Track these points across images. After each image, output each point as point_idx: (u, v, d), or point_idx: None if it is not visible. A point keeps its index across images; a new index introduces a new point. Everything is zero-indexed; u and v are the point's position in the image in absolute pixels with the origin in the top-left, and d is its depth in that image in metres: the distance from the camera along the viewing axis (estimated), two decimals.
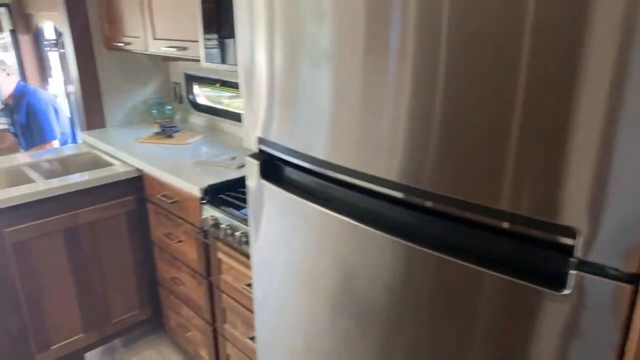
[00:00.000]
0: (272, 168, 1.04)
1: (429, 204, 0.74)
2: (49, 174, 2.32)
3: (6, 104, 3.09)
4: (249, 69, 1.00)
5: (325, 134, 0.86)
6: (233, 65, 1.75)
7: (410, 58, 0.69)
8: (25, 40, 3.56)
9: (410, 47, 0.69)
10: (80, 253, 2.16)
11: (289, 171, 1.01)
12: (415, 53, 0.69)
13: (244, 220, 1.66)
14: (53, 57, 3.65)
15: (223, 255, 1.83)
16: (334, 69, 0.80)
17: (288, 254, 1.03)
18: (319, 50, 0.80)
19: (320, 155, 0.88)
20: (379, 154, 0.76)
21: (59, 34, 3.42)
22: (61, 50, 3.47)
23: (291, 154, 0.95)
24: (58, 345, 2.18)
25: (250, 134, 1.03)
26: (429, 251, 0.75)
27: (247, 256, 1.68)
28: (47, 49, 3.64)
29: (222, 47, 1.83)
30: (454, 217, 0.72)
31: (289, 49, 0.88)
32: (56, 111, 3.09)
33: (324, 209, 0.91)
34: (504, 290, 0.68)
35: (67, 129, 3.23)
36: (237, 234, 1.65)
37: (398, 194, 0.77)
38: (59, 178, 2.11)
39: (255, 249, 1.16)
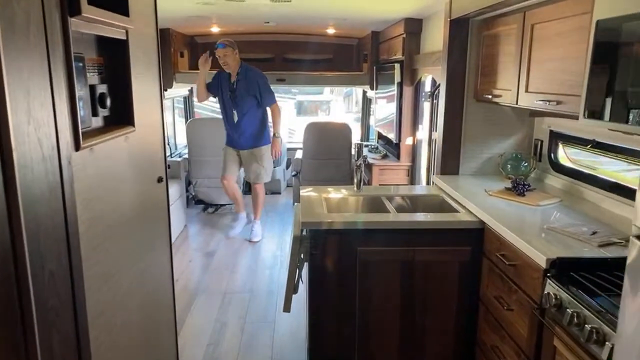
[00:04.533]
0: None
1: None
2: (400, 208, 2.54)
3: None
4: None
5: None
6: (623, 124, 1.45)
7: None
8: (407, 91, 4.14)
9: None
10: (410, 288, 2.25)
11: None
12: None
13: (599, 313, 1.32)
14: (426, 107, 4.08)
15: (561, 345, 1.52)
16: None
17: None
18: None
19: None
20: None
21: (434, 87, 3.79)
22: (434, 101, 3.83)
23: None
24: None
25: None
26: None
27: (594, 357, 1.33)
28: (422, 99, 4.12)
29: (610, 107, 1.55)
30: None
31: None
32: None
33: None
34: None
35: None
36: (587, 327, 1.33)
37: None
38: (407, 214, 2.28)
39: (624, 350, 0.87)
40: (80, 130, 0.90)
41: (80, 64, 0.97)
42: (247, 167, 4.46)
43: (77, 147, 0.90)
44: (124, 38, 1.11)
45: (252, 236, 4.53)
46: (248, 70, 4.17)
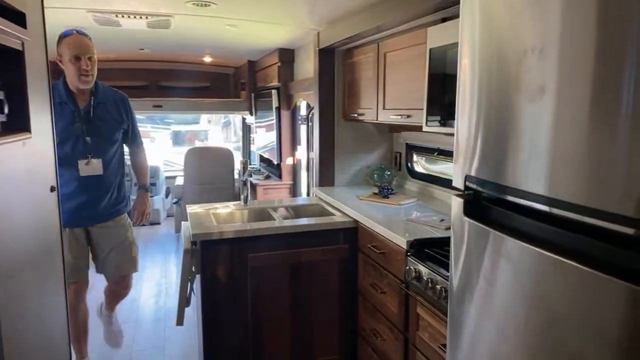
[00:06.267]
0: (477, 207, 1.07)
1: None
2: (285, 217, 2.76)
3: None
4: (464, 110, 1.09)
5: (544, 168, 0.86)
6: (452, 127, 1.86)
7: None
8: (285, 115, 4.46)
9: None
10: (298, 288, 2.45)
11: (495, 211, 1.02)
12: None
13: (446, 277, 1.67)
14: (302, 129, 4.44)
15: (422, 311, 1.85)
16: (555, 102, 0.83)
17: (485, 293, 1.02)
18: (538, 84, 0.84)
19: (538, 190, 0.87)
20: (612, 184, 0.73)
21: (309, 111, 4.15)
22: (309, 124, 4.19)
23: (501, 190, 0.97)
24: None
25: (458, 173, 1.10)
26: None
27: (446, 313, 1.66)
28: (299, 122, 4.47)
29: (443, 115, 1.97)
30: None
31: (504, 86, 0.95)
32: None
33: (530, 246, 0.88)
34: None
35: None
36: (438, 287, 1.66)
37: (629, 230, 0.71)
38: (291, 219, 2.50)
39: (454, 289, 1.17)
40: None
41: None
42: (110, 253, 2.58)
43: None
44: (21, 49, 1.17)
45: (116, 338, 2.92)
46: (108, 90, 2.55)
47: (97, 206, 2.49)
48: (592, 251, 0.78)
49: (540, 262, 0.86)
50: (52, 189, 1.44)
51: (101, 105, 2.46)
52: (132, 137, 2.67)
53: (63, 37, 2.31)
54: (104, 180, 2.48)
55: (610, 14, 0.73)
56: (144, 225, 6.31)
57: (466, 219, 1.07)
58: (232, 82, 6.16)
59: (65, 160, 2.23)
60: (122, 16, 2.99)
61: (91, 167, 2.42)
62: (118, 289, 2.74)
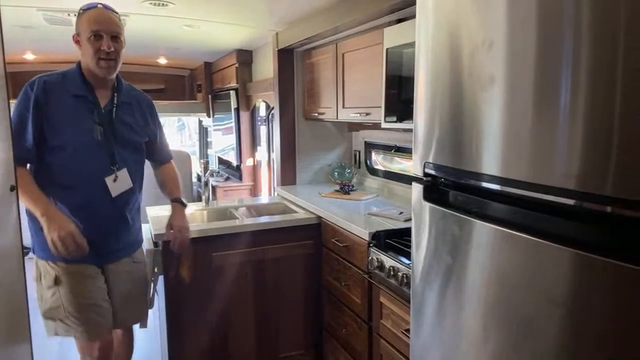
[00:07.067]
0: (435, 192, 1.15)
1: (609, 209, 0.74)
2: (248, 216, 2.78)
3: None
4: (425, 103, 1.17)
5: (495, 150, 0.94)
6: (409, 122, 1.96)
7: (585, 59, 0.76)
8: (244, 116, 4.47)
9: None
10: (263, 286, 2.48)
11: (452, 194, 1.11)
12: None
13: (407, 265, 1.75)
14: (262, 130, 4.46)
15: (385, 299, 1.92)
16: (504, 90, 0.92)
17: (446, 271, 1.10)
18: (488, 75, 0.93)
19: (491, 171, 0.96)
20: (555, 162, 0.81)
21: (269, 112, 4.18)
22: (269, 125, 4.22)
23: (458, 174, 1.05)
24: None
25: (417, 161, 1.18)
26: (608, 260, 0.74)
27: (407, 299, 1.74)
28: (258, 123, 4.48)
29: (401, 112, 2.07)
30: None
31: (457, 78, 1.03)
32: None
33: (485, 223, 0.97)
34: None
35: None
36: (400, 274, 1.74)
37: (570, 201, 0.80)
38: (255, 218, 2.53)
39: (417, 271, 1.25)
40: None
41: None
42: (123, 298, 1.95)
43: None
44: None
45: None
46: (132, 89, 2.01)
47: (121, 235, 1.89)
48: (540, 224, 0.87)
49: (495, 237, 0.94)
50: (12, 188, 1.41)
51: (125, 105, 1.90)
52: (160, 150, 2.11)
53: (84, 10, 1.80)
54: (132, 197, 1.91)
55: (549, 9, 0.83)
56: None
57: (426, 203, 1.14)
58: (188, 84, 6.08)
59: (77, 178, 1.76)
60: (75, 15, 2.90)
61: (120, 182, 1.83)
62: (120, 350, 2.11)
